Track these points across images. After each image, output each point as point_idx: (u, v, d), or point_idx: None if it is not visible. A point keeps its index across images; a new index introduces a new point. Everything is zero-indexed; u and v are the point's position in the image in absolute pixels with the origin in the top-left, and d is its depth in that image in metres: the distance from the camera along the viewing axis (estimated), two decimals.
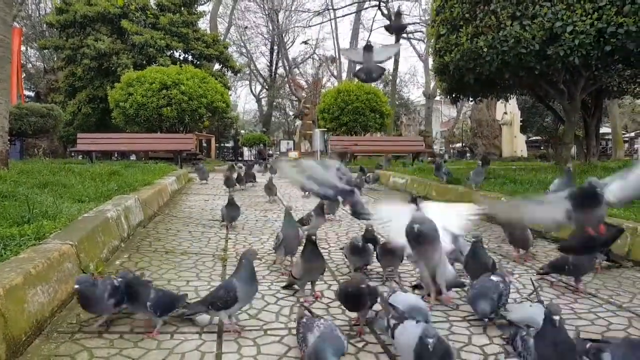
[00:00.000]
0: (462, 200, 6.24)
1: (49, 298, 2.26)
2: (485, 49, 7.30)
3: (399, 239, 2.30)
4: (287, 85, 40.75)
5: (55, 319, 2.27)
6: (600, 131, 14.17)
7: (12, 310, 1.94)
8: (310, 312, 2.09)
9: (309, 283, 2.69)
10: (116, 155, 17.92)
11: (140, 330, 2.20)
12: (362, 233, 3.21)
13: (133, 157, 18.07)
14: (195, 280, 2.97)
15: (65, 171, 6.60)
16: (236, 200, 4.89)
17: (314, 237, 2.55)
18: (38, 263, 2.27)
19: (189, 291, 2.76)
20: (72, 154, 16.17)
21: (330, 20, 38.95)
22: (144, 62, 21.02)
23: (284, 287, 2.82)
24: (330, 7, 36.37)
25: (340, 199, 2.90)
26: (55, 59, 28.35)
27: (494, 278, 2.33)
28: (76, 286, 2.11)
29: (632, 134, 29.83)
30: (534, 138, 28.80)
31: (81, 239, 2.90)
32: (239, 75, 33.14)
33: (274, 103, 42.35)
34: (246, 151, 34.31)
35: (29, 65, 33.36)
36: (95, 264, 2.98)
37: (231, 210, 4.71)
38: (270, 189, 6.61)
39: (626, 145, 26.67)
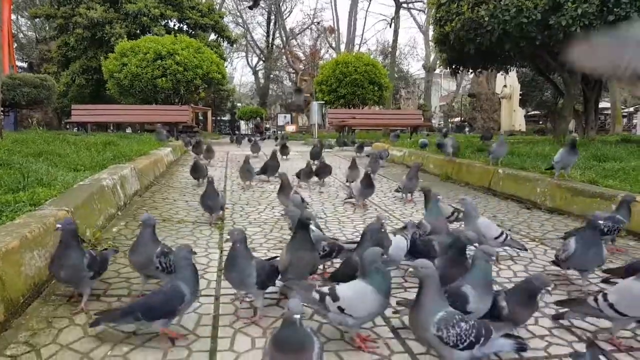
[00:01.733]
0: (459, 170, 6.24)
1: (46, 262, 2.26)
2: (486, 18, 7.18)
3: None
4: (284, 57, 40.13)
5: (53, 282, 2.28)
6: (599, 106, 14.07)
7: (9, 273, 1.94)
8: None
9: None
10: (112, 127, 17.78)
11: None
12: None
13: (129, 130, 17.93)
14: (192, 247, 2.97)
15: (60, 141, 6.55)
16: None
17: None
18: (34, 228, 2.27)
19: None
20: (67, 126, 16.00)
21: None
22: (138, 31, 20.60)
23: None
24: None
25: None
26: (47, 28, 27.77)
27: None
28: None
29: (632, 109, 29.69)
30: (533, 113, 28.63)
31: (77, 205, 2.89)
32: (235, 46, 32.52)
33: (271, 75, 41.80)
34: (243, 125, 34.09)
35: (21, 35, 32.68)
36: (92, 231, 2.98)
37: (209, 199, 3.62)
38: (248, 171, 5.38)
39: (625, 120, 26.57)
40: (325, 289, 1.77)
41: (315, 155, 6.88)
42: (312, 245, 2.16)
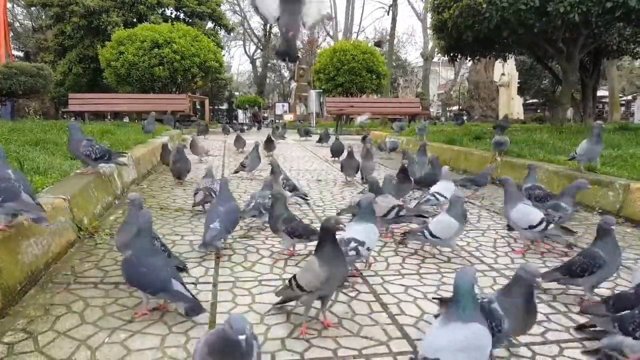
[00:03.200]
0: (457, 157, 6.24)
1: (43, 250, 2.26)
2: (484, 5, 7.13)
3: None
4: None
5: (51, 270, 2.28)
6: (597, 94, 14.04)
7: (6, 260, 1.94)
8: None
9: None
10: (109, 116, 17.70)
11: None
12: None
13: (126, 119, 17.84)
14: (190, 235, 2.99)
15: (57, 130, 6.51)
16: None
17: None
18: None
19: (183, 245, 2.79)
20: (64, 116, 15.93)
21: None
22: (135, 20, 20.47)
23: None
24: None
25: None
26: (44, 16, 27.50)
27: None
28: None
29: (629, 97, 29.61)
30: (531, 101, 28.56)
31: (74, 194, 2.89)
32: (232, 34, 32.31)
33: (269, 64, 41.51)
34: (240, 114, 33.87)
35: (17, 24, 32.34)
36: (89, 219, 2.98)
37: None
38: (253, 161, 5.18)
39: (623, 108, 26.51)
40: None
41: (336, 152, 6.41)
42: (342, 255, 1.88)
